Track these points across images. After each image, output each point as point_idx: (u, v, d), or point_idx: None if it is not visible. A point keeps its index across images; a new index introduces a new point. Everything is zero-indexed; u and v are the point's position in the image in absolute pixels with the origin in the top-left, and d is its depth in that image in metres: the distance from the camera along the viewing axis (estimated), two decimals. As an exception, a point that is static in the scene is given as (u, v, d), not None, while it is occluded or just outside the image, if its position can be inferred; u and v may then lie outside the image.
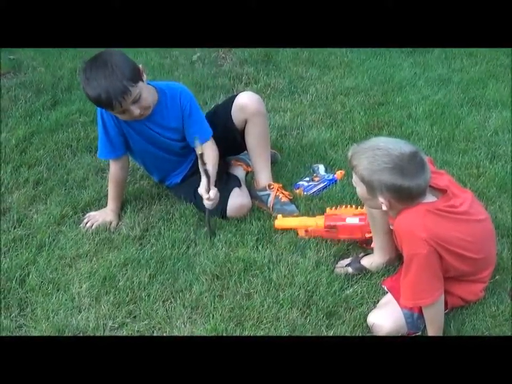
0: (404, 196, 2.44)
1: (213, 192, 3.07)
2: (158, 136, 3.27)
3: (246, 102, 3.39)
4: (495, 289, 2.83)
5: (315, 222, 3.15)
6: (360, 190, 2.58)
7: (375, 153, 2.45)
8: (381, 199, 2.48)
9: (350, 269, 2.95)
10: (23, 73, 4.97)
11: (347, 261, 3.01)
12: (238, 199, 3.29)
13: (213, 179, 3.12)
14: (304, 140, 4.02)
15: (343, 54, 5.36)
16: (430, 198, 2.53)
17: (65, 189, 3.54)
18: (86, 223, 3.27)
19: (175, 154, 3.41)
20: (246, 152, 3.57)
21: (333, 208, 3.19)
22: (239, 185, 3.40)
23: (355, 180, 2.59)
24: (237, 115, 3.41)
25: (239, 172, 3.57)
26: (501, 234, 3.16)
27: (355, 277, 2.92)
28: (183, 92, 3.28)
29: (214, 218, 3.24)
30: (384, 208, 2.51)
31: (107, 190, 3.42)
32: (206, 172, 3.02)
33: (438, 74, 5.00)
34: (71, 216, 3.33)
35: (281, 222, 3.21)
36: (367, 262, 2.96)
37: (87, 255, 3.07)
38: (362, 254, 3.03)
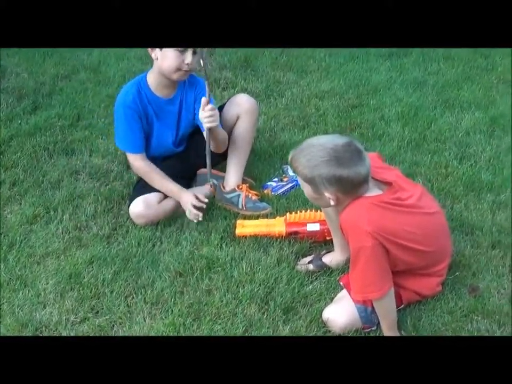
0: (347, 186, 2.50)
1: (212, 106, 3.17)
2: (176, 118, 3.47)
3: (243, 98, 3.60)
4: (454, 285, 2.89)
5: (276, 230, 3.20)
6: (307, 190, 2.65)
7: (311, 151, 2.53)
8: (327, 195, 2.54)
9: (311, 266, 3.01)
10: (7, 79, 5.02)
11: (309, 258, 3.07)
12: (136, 208, 3.32)
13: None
14: (275, 142, 4.09)
15: (321, 59, 5.42)
16: (375, 192, 2.58)
17: (40, 190, 3.61)
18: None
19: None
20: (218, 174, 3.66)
21: (293, 213, 3.26)
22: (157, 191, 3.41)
23: (300, 181, 2.67)
24: (231, 109, 3.56)
25: (203, 190, 3.52)
26: (465, 232, 3.25)
27: (315, 274, 2.98)
28: (202, 80, 3.43)
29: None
30: (332, 203, 2.56)
31: (81, 190, 3.59)
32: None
33: (414, 77, 5.06)
34: (43, 216, 3.39)
35: (241, 229, 3.24)
36: (328, 259, 3.02)
37: (55, 253, 3.14)
38: (324, 252, 3.09)
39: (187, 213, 3.30)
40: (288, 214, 3.24)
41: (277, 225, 3.21)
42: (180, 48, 3.18)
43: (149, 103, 3.36)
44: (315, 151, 2.52)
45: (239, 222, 3.27)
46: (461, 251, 3.08)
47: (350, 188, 2.51)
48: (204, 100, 3.14)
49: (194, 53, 3.21)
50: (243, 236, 3.21)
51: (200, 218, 3.27)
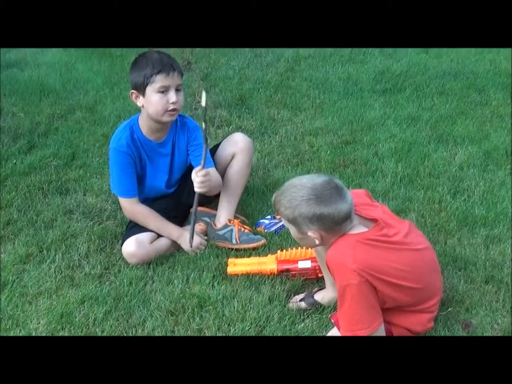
0: (329, 224, 2.52)
1: (205, 171, 3.15)
2: (169, 161, 3.49)
3: (239, 137, 3.64)
4: (447, 321, 2.87)
5: (268, 268, 3.20)
6: (292, 231, 2.69)
7: (292, 191, 2.58)
8: (311, 234, 2.57)
9: (303, 304, 3.00)
10: (3, 119, 5.06)
11: (301, 295, 3.06)
12: (128, 247, 3.32)
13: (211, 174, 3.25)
14: (269, 179, 4.10)
15: (316, 96, 5.46)
16: (361, 229, 2.59)
17: (34, 229, 3.61)
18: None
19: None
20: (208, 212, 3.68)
21: (284, 250, 3.26)
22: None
23: (284, 223, 2.71)
24: (227, 147, 3.61)
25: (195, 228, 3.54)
26: (458, 267, 3.23)
27: (307, 312, 2.96)
28: (193, 122, 3.53)
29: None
30: (317, 242, 2.58)
31: (74, 229, 3.59)
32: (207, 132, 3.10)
33: (408, 113, 5.09)
34: (36, 255, 3.39)
35: (233, 268, 3.23)
36: (319, 296, 3.01)
37: (47, 292, 3.13)
38: (316, 289, 3.07)
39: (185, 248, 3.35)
40: (279, 251, 3.24)
41: (268, 263, 3.20)
42: (161, 90, 3.21)
43: (141, 146, 3.39)
44: (296, 191, 2.56)
45: (230, 260, 3.27)
46: (454, 286, 3.07)
47: (332, 225, 2.52)
48: (198, 167, 3.15)
49: (177, 90, 3.25)
50: (235, 274, 3.20)
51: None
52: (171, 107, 3.25)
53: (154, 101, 3.23)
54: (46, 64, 6.37)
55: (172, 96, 3.23)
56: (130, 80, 3.35)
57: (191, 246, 3.29)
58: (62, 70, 6.16)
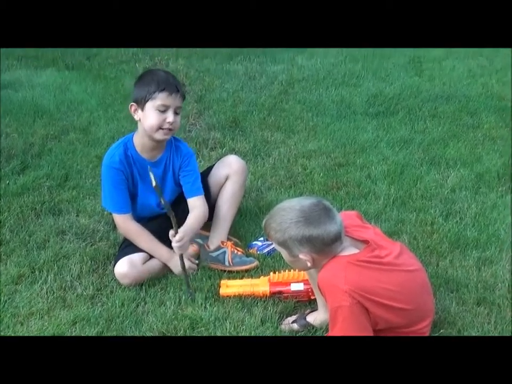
0: (319, 245, 2.55)
1: (179, 236, 3.15)
2: (160, 180, 3.47)
3: (233, 160, 3.68)
4: (439, 343, 2.87)
5: (260, 290, 3.20)
6: (284, 255, 2.72)
7: (281, 215, 2.62)
8: (302, 257, 2.59)
9: (295, 326, 2.99)
10: (-4, 140, 5.07)
11: (293, 317, 3.05)
12: (121, 268, 3.31)
13: (191, 228, 3.31)
14: (262, 201, 4.11)
15: (309, 118, 5.50)
16: (352, 250, 2.61)
17: (26, 250, 3.60)
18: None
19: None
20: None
21: (277, 272, 3.27)
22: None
23: (275, 247, 2.75)
24: (221, 169, 3.65)
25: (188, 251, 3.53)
26: (450, 289, 3.24)
27: (299, 334, 2.95)
28: (188, 148, 3.55)
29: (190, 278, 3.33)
30: (309, 265, 2.60)
31: (66, 250, 3.59)
32: (169, 213, 3.11)
33: (401, 135, 5.12)
34: (28, 276, 3.38)
35: (226, 289, 3.23)
36: (312, 318, 3.01)
37: (39, 313, 3.11)
38: (308, 311, 3.07)
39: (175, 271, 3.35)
40: (272, 273, 3.24)
41: (260, 285, 3.20)
42: (160, 108, 3.23)
43: (134, 164, 3.39)
44: (285, 214, 2.60)
45: (223, 282, 3.27)
46: (446, 308, 3.07)
47: (322, 246, 2.54)
48: (170, 232, 3.17)
49: (176, 112, 3.28)
50: (227, 295, 3.19)
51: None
52: (166, 126, 3.27)
53: (152, 117, 3.26)
54: (40, 85, 6.38)
55: (170, 116, 3.26)
56: (132, 93, 3.37)
57: (192, 300, 3.25)
58: (56, 92, 6.18)
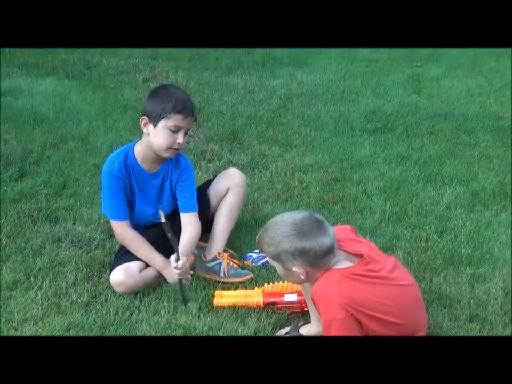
0: (311, 258, 2.57)
1: (181, 262, 3.18)
2: (157, 193, 3.52)
3: (235, 172, 3.75)
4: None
5: (254, 301, 3.21)
6: (278, 269, 2.75)
7: (274, 229, 2.66)
8: (295, 270, 2.62)
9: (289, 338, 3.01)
10: (-5, 147, 5.08)
11: (286, 329, 3.07)
12: (116, 276, 3.32)
13: (187, 250, 3.36)
14: (258, 213, 4.12)
15: (307, 133, 5.51)
16: (346, 264, 2.63)
17: (22, 256, 3.61)
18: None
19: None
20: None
21: (271, 283, 3.28)
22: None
23: (269, 261, 2.78)
24: (222, 181, 3.70)
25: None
26: (443, 305, 3.25)
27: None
28: (187, 162, 3.59)
29: (186, 287, 3.34)
30: (302, 278, 2.62)
31: (62, 258, 3.60)
32: (172, 241, 3.17)
33: (398, 152, 5.13)
34: (23, 282, 3.39)
35: (220, 300, 3.24)
36: (304, 330, 3.02)
37: (33, 319, 3.12)
38: (301, 323, 3.09)
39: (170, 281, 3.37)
40: (266, 284, 3.26)
41: (254, 296, 3.21)
42: (173, 128, 3.26)
43: (133, 173, 3.42)
44: (278, 228, 2.64)
45: (217, 292, 3.28)
46: (439, 324, 3.09)
47: (315, 259, 2.58)
48: (172, 257, 3.20)
49: (185, 133, 3.32)
50: (221, 306, 3.20)
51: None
52: (176, 146, 3.32)
53: (163, 136, 3.29)
54: (40, 93, 6.40)
55: (180, 137, 3.30)
56: (144, 106, 3.39)
57: (184, 306, 3.26)
58: (55, 100, 6.19)
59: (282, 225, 2.65)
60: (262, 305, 3.18)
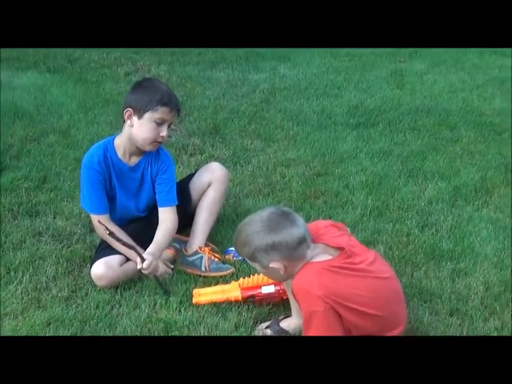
0: (285, 251, 2.60)
1: (146, 263, 3.17)
2: (137, 186, 3.52)
3: (217, 166, 3.75)
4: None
5: (232, 296, 3.20)
6: (258, 268, 2.79)
7: (244, 230, 2.71)
8: (273, 266, 2.64)
9: (268, 331, 3.01)
10: (-26, 141, 5.04)
11: (267, 323, 3.07)
12: (97, 269, 3.31)
13: (160, 247, 3.35)
14: (240, 208, 4.11)
15: (289, 127, 5.51)
16: (325, 257, 2.64)
17: (2, 251, 3.59)
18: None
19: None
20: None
21: (246, 277, 3.28)
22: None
23: (248, 262, 2.84)
24: (204, 175, 3.70)
25: (163, 254, 3.53)
26: (423, 299, 3.27)
27: (272, 340, 2.96)
28: (168, 155, 3.57)
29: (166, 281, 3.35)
30: (282, 273, 2.63)
31: (42, 252, 3.59)
32: (129, 247, 3.21)
33: (380, 147, 5.14)
34: (3, 276, 3.37)
35: (198, 298, 3.22)
36: (285, 324, 3.02)
37: (13, 314, 3.11)
38: (282, 317, 3.09)
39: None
40: (241, 279, 3.26)
41: (232, 291, 3.21)
42: (158, 121, 3.27)
43: (112, 167, 3.40)
44: (247, 228, 2.69)
45: (195, 290, 3.25)
46: (419, 318, 3.10)
47: (288, 251, 2.60)
48: (137, 260, 3.19)
49: (168, 126, 3.32)
50: (201, 304, 3.20)
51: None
52: (159, 139, 3.33)
53: (147, 128, 3.29)
54: (21, 87, 6.35)
55: (164, 130, 3.31)
56: (128, 98, 3.37)
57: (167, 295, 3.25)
58: (36, 94, 6.14)
59: (250, 225, 2.69)
60: (240, 299, 3.18)
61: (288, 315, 3.08)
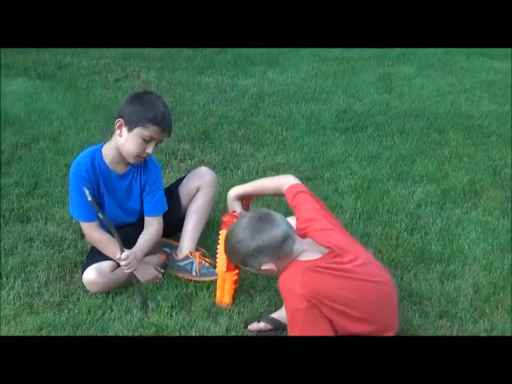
0: (272, 251, 2.67)
1: (125, 254, 3.21)
2: (124, 194, 3.53)
3: (205, 171, 3.76)
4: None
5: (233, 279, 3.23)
6: (253, 271, 2.89)
7: (229, 239, 2.79)
8: (265, 267, 2.72)
9: (261, 324, 3.06)
10: (-35, 147, 5.04)
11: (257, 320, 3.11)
12: (89, 275, 3.33)
13: (141, 248, 3.38)
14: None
15: (278, 132, 5.52)
16: (313, 255, 2.68)
17: (-6, 257, 3.59)
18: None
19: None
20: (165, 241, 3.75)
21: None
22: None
23: (243, 268, 2.91)
24: (192, 181, 3.70)
25: (154, 259, 3.61)
26: (413, 301, 3.31)
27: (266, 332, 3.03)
28: (156, 164, 3.59)
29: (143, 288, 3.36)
30: (277, 270, 2.69)
31: (34, 257, 3.61)
32: (115, 235, 3.21)
33: (369, 151, 5.17)
34: (-5, 282, 3.38)
35: (223, 300, 3.27)
36: (277, 314, 3.07)
37: (5, 319, 3.12)
38: (272, 313, 3.14)
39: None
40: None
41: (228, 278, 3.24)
42: (146, 138, 3.27)
43: (100, 174, 3.41)
44: (231, 238, 2.77)
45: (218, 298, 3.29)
46: (409, 320, 3.14)
47: (275, 251, 2.68)
48: (118, 253, 3.23)
49: (156, 144, 3.33)
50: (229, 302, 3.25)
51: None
52: (144, 155, 3.34)
53: (134, 143, 3.29)
54: (11, 93, 6.34)
55: (150, 148, 3.30)
56: (122, 108, 3.37)
57: (145, 311, 3.25)
58: (27, 100, 6.14)
59: (233, 234, 2.75)
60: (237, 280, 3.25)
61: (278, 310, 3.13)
